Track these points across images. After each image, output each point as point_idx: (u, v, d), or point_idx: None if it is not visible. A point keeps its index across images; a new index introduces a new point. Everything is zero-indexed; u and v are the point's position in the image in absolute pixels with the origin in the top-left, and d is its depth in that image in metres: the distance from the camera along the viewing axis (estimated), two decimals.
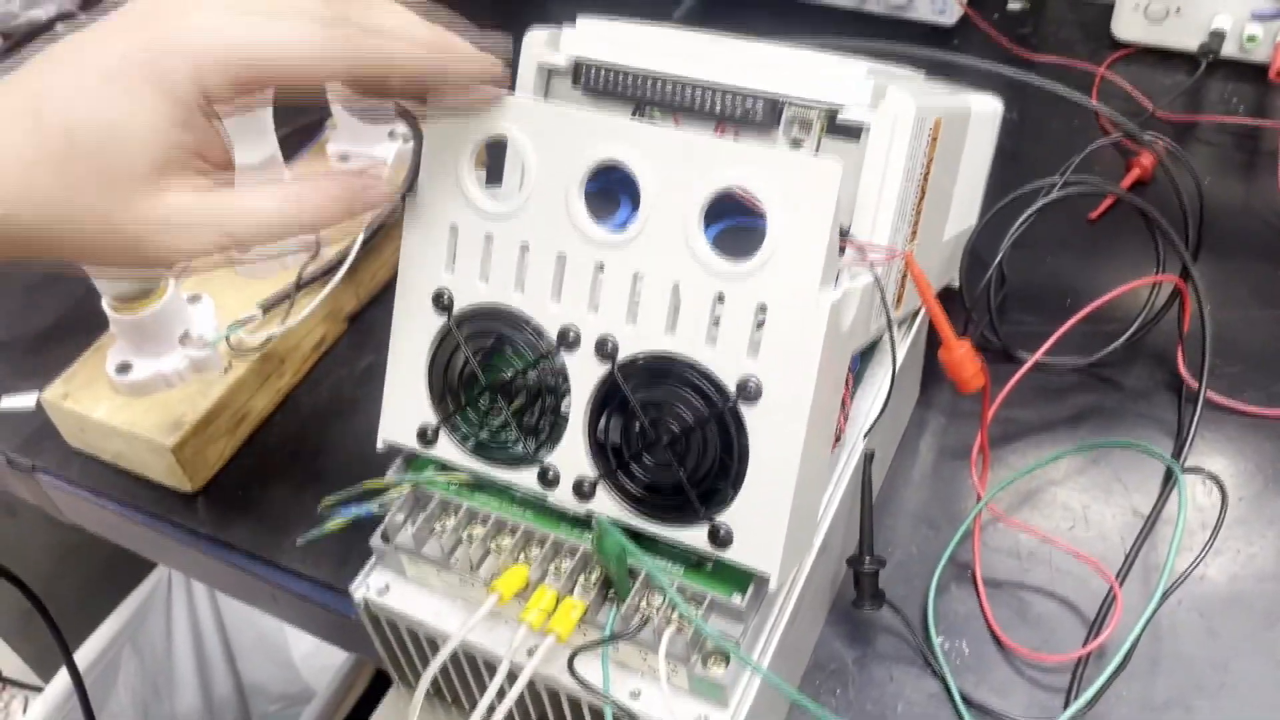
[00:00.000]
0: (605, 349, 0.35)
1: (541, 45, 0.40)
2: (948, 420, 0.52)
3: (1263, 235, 0.59)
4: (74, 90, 0.30)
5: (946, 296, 0.53)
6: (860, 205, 0.37)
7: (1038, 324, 0.56)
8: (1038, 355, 0.47)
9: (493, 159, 0.40)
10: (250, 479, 0.53)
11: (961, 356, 0.38)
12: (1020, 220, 0.49)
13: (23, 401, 0.57)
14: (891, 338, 0.38)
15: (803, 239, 0.32)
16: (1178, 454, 0.49)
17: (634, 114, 0.40)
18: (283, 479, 0.53)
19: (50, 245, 0.31)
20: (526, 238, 0.36)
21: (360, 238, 0.57)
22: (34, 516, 0.97)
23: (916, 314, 0.47)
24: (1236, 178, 0.63)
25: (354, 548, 0.48)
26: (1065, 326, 0.47)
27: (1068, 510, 0.48)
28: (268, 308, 0.54)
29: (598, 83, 0.39)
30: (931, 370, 0.52)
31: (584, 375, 0.36)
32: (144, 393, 0.52)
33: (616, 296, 0.35)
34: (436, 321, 0.38)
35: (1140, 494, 0.48)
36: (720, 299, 0.33)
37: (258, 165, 0.55)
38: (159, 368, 0.52)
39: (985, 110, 0.50)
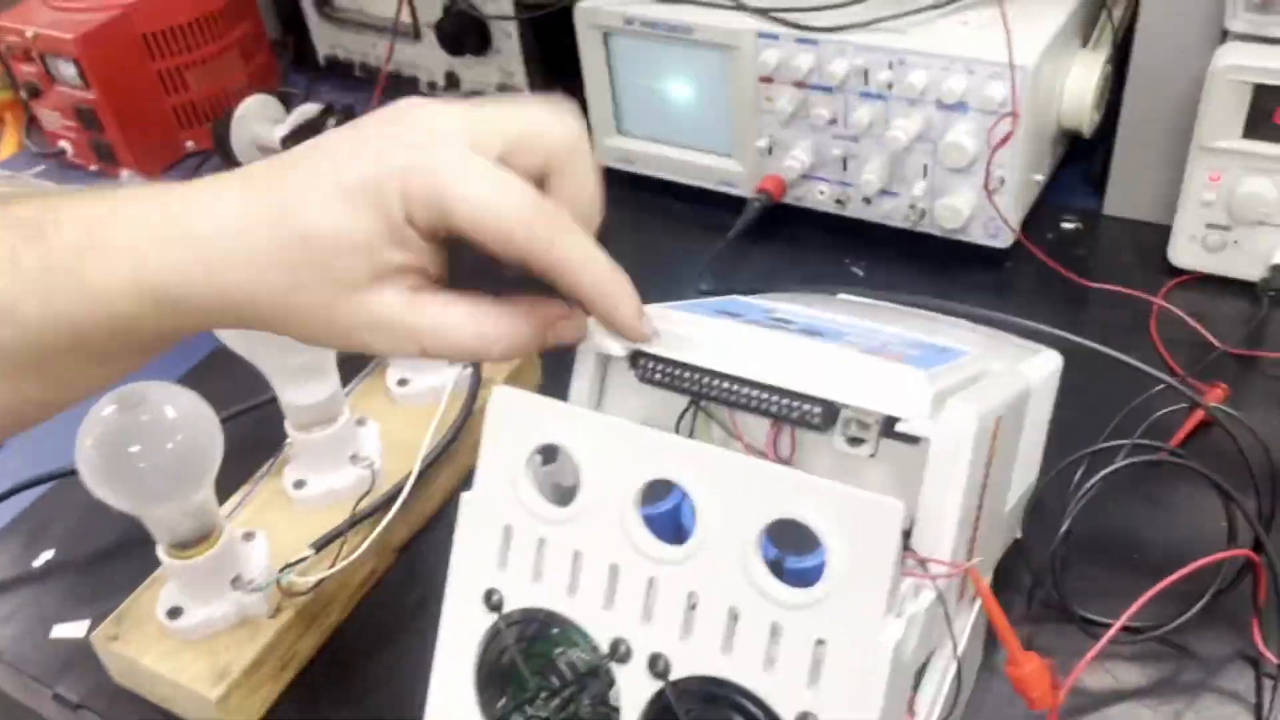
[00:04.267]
0: (657, 666, 0.34)
1: (601, 334, 0.41)
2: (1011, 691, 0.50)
3: None
4: (312, 201, 0.33)
5: (1011, 552, 0.52)
6: (922, 517, 0.36)
7: (1104, 579, 0.54)
8: (1111, 633, 0.45)
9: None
10: None
11: (1030, 674, 0.37)
12: (1086, 487, 0.49)
13: (73, 631, 0.58)
14: (956, 654, 0.37)
15: (864, 576, 0.31)
16: None
17: (690, 405, 0.40)
18: None
19: (277, 326, 0.35)
20: (580, 546, 0.35)
21: (416, 470, 0.57)
22: None
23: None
24: None
25: None
26: (1137, 604, 0.45)
27: None
28: (320, 546, 0.54)
29: (655, 375, 0.39)
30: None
31: (635, 690, 0.35)
32: (192, 637, 0.52)
33: (671, 613, 0.34)
34: (486, 620, 0.37)
35: None
36: (777, 630, 0.32)
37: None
38: (209, 613, 0.52)
39: (1044, 374, 0.49)
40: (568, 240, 0.35)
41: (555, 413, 0.36)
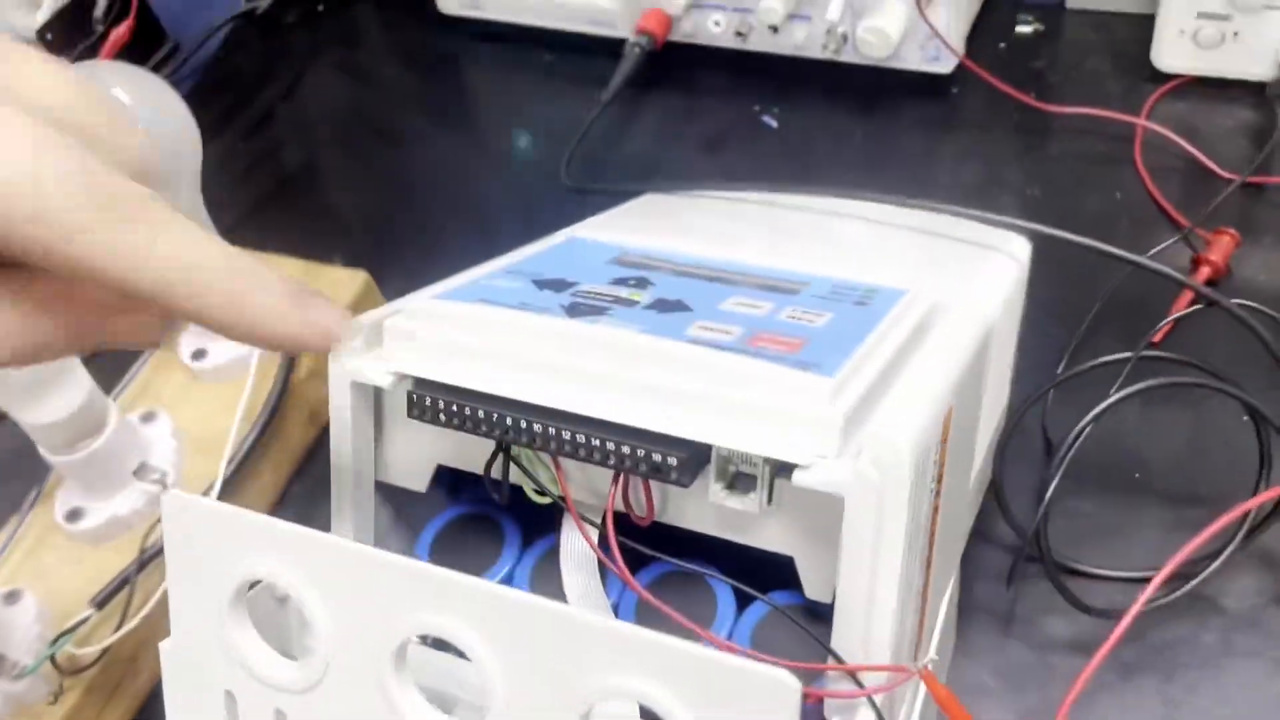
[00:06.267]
0: None
1: (357, 351, 0.27)
2: (1001, 688, 0.39)
3: None
4: None
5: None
6: (844, 607, 0.24)
7: (1098, 513, 0.43)
8: (1124, 623, 0.34)
9: None
10: None
11: None
12: (1064, 449, 0.36)
13: None
14: None
15: None
16: None
17: (497, 449, 0.27)
18: None
19: None
20: None
21: (220, 478, 0.45)
22: None
23: None
24: None
25: None
26: (1148, 591, 0.34)
27: None
28: (103, 602, 0.42)
29: (435, 412, 0.26)
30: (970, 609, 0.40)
31: None
32: None
33: None
34: None
35: None
36: None
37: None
38: None
39: (1010, 286, 0.36)
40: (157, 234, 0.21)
41: (256, 532, 0.23)
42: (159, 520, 0.44)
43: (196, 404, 0.48)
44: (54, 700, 0.41)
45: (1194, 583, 0.39)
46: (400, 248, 0.57)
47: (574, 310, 0.27)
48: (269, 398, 0.48)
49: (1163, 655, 0.39)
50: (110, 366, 0.49)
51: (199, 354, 0.49)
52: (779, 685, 0.18)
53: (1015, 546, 0.41)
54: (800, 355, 0.25)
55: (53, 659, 0.41)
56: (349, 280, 0.52)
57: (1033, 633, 0.40)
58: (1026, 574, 0.41)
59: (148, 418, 0.47)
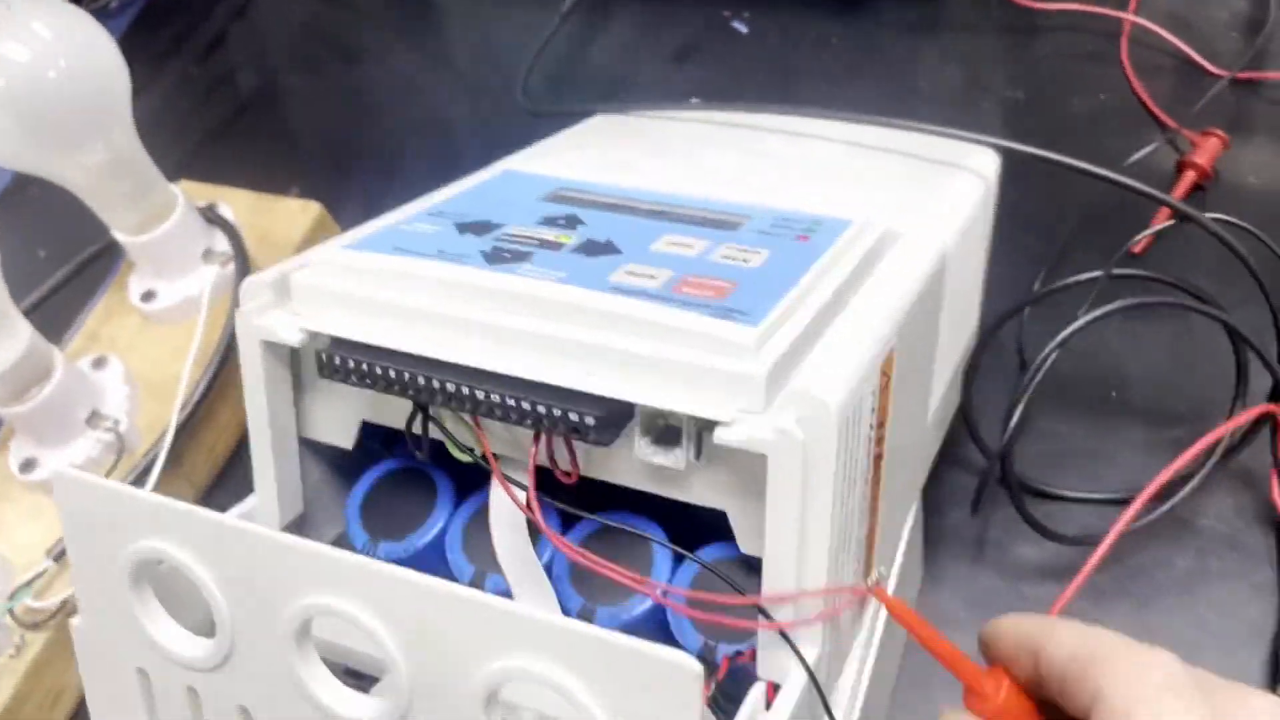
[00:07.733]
0: None
1: (265, 307, 0.26)
2: (972, 617, 0.39)
3: None
4: None
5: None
6: (772, 561, 0.23)
7: (1073, 434, 0.42)
8: (1100, 551, 0.33)
9: None
10: None
11: (1001, 709, 0.24)
12: (1046, 352, 0.35)
13: None
14: None
15: None
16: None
17: (414, 415, 0.26)
18: None
19: None
20: (244, 699, 0.23)
21: (172, 426, 0.44)
22: None
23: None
24: None
25: None
26: (1121, 523, 0.33)
27: None
28: (61, 553, 0.42)
29: (346, 372, 0.25)
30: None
31: None
32: None
33: None
34: None
35: None
36: None
37: None
38: None
39: (972, 206, 0.34)
40: None
41: (143, 511, 0.22)
42: (114, 467, 0.43)
43: (149, 347, 0.47)
44: (16, 653, 0.41)
45: (1170, 504, 0.37)
46: (360, 175, 0.55)
47: (493, 257, 0.26)
48: (222, 337, 0.46)
49: (1137, 579, 0.38)
50: (57, 314, 0.48)
51: (148, 295, 0.48)
52: (680, 669, 0.17)
53: (986, 470, 0.40)
54: (726, 301, 0.24)
55: (10, 612, 0.40)
56: (301, 213, 0.50)
57: (1004, 559, 0.39)
58: (997, 499, 0.40)
59: (98, 364, 0.46)
